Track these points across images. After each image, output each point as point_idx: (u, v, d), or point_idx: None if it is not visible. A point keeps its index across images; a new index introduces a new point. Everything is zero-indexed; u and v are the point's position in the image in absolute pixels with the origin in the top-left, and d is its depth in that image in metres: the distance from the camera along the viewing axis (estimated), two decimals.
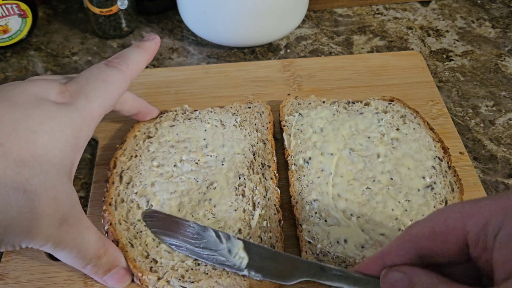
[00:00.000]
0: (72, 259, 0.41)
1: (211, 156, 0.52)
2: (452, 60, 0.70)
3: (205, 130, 0.55)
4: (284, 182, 0.53)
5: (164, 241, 0.45)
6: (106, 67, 0.45)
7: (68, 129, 0.40)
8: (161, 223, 0.46)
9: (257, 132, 0.55)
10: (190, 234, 0.45)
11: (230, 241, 0.44)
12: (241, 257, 0.43)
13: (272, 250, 0.44)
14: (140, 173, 0.51)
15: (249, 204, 0.49)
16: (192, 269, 0.44)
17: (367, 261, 0.37)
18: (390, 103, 0.58)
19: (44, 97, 0.40)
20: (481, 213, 0.32)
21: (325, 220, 0.47)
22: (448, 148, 0.53)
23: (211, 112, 0.57)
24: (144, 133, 0.55)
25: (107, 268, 0.43)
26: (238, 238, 0.44)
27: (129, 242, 0.46)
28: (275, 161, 0.53)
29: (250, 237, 0.46)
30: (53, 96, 0.41)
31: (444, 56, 0.71)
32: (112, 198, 0.49)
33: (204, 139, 0.54)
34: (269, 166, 0.52)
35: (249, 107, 0.58)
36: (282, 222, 0.48)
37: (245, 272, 0.43)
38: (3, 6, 0.66)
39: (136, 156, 0.53)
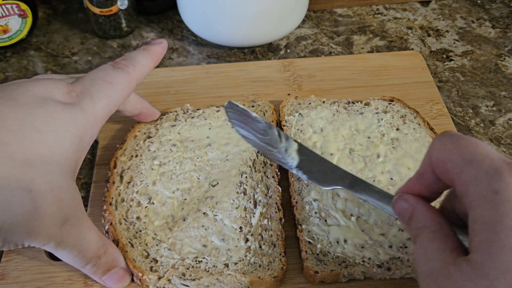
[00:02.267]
0: (73, 258, 0.41)
1: (214, 153, 0.52)
2: (452, 60, 0.70)
3: (210, 129, 0.55)
4: (285, 182, 0.53)
5: (238, 132, 0.50)
6: (112, 69, 0.45)
7: (72, 130, 0.40)
8: (238, 116, 0.51)
9: None
10: (258, 129, 0.50)
11: (288, 141, 0.49)
12: (293, 158, 0.48)
13: (319, 157, 0.49)
14: (141, 173, 0.51)
15: (250, 202, 0.49)
16: (192, 266, 0.44)
17: (405, 185, 0.39)
18: (390, 103, 0.58)
19: (49, 96, 0.40)
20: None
21: (325, 220, 0.47)
22: None
23: (218, 111, 0.57)
24: (145, 133, 0.55)
25: (106, 268, 0.43)
26: (295, 141, 0.49)
27: (129, 242, 0.46)
28: None
29: (251, 235, 0.46)
30: (59, 96, 0.41)
31: (444, 56, 0.71)
32: (112, 198, 0.49)
33: (208, 137, 0.54)
34: (271, 165, 0.52)
35: (253, 106, 0.58)
36: (283, 220, 0.48)
37: (294, 171, 0.48)
38: (3, 6, 0.66)
39: (136, 156, 0.53)
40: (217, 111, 0.57)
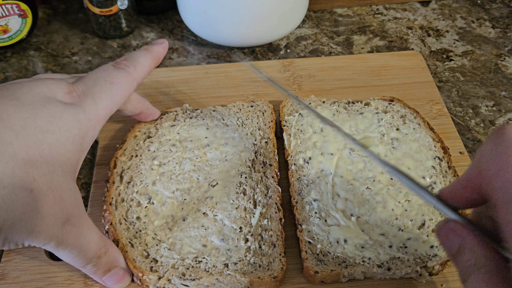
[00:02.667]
0: (73, 258, 0.41)
1: (213, 154, 0.52)
2: (452, 60, 0.70)
3: (207, 129, 0.55)
4: (285, 182, 0.53)
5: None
6: (114, 69, 0.45)
7: (74, 130, 0.40)
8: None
9: (259, 130, 0.55)
10: None
11: None
12: None
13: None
14: (141, 173, 0.51)
15: (250, 202, 0.49)
16: (192, 266, 0.44)
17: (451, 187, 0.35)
18: (390, 103, 0.58)
19: (51, 96, 0.40)
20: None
21: (325, 220, 0.47)
22: (448, 148, 0.53)
23: (214, 110, 0.57)
24: (145, 133, 0.55)
25: (106, 268, 0.43)
26: None
27: (129, 242, 0.46)
28: (277, 159, 0.53)
29: (251, 235, 0.46)
30: (60, 96, 0.41)
31: (444, 56, 0.71)
32: (112, 198, 0.49)
33: (206, 138, 0.54)
34: (270, 165, 0.52)
35: (252, 106, 0.58)
36: (283, 220, 0.48)
37: None
38: (3, 6, 0.66)
39: (136, 156, 0.53)
40: (213, 111, 0.57)
